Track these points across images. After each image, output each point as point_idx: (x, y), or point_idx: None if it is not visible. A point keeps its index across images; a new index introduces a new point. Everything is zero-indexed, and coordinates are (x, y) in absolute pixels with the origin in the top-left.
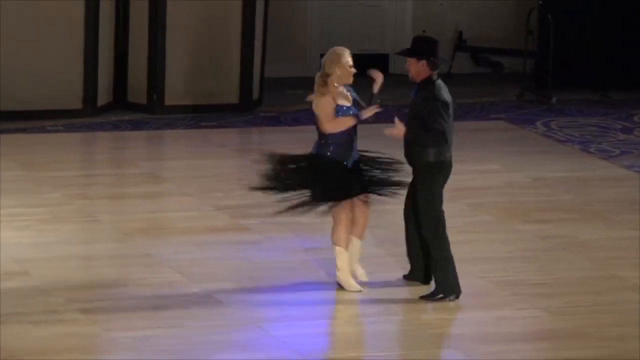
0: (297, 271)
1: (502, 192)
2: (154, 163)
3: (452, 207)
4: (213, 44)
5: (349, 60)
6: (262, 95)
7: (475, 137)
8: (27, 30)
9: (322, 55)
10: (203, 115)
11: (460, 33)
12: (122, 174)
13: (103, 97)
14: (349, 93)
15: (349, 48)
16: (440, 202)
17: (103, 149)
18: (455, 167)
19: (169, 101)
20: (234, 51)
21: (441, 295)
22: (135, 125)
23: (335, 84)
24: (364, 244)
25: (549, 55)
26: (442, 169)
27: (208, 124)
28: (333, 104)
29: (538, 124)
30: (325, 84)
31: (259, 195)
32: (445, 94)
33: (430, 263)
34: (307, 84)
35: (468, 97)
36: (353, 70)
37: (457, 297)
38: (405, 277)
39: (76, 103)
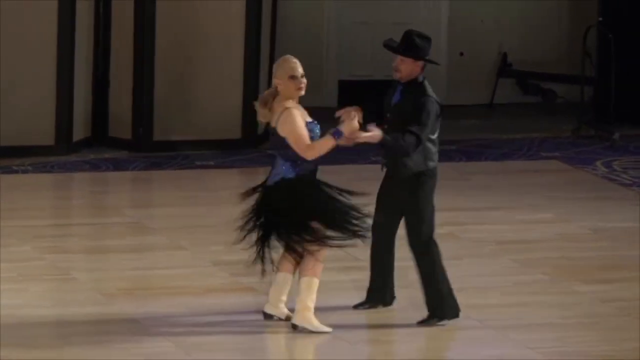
0: (312, 338)
1: (555, 245)
2: (140, 210)
3: (496, 263)
4: (211, 68)
5: (297, 68)
6: (269, 130)
7: (523, 179)
8: None
9: (340, 83)
10: (199, 152)
11: (505, 55)
12: (103, 224)
13: (79, 131)
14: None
15: (372, 74)
16: (432, 211)
17: (80, 193)
18: (500, 216)
19: (158, 136)
20: (235, 77)
21: (436, 319)
22: (118, 165)
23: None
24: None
25: (610, 81)
26: (432, 177)
27: (204, 164)
28: (302, 119)
29: (598, 164)
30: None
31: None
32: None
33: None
34: (323, 116)
35: (514, 131)
36: (304, 80)
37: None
38: (358, 305)
39: (47, 138)
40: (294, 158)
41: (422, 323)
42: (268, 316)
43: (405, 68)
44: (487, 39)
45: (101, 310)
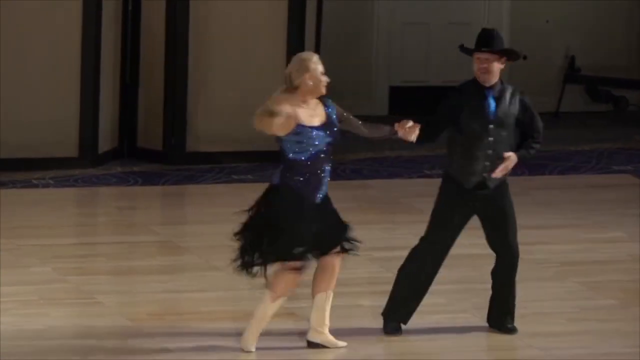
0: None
1: (626, 267)
2: (171, 228)
3: (561, 287)
4: (250, 74)
5: (319, 67)
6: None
7: (591, 195)
8: (8, 56)
9: (391, 89)
10: (236, 165)
11: (572, 59)
12: (130, 243)
13: (105, 142)
14: (326, 109)
15: (427, 79)
16: None
17: (105, 209)
18: (565, 235)
19: (191, 147)
20: (277, 83)
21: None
22: (148, 179)
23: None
24: None
25: None
26: None
27: (242, 177)
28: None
29: None
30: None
31: (308, 271)
32: None
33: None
34: None
35: (583, 142)
36: (326, 79)
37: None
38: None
39: (70, 150)
40: (285, 164)
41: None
42: (313, 345)
43: (493, 68)
44: (553, 41)
45: (128, 337)
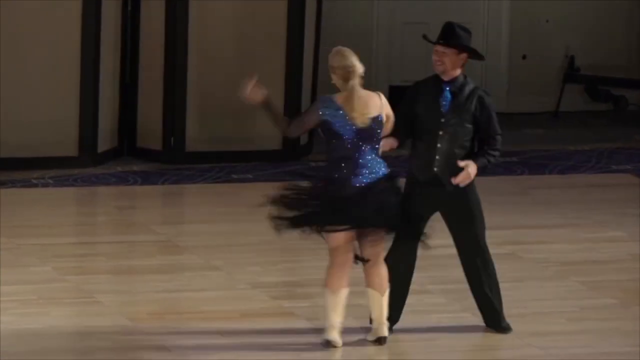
0: None
1: (626, 267)
2: (171, 228)
3: (561, 286)
4: (249, 72)
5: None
6: (313, 139)
7: (592, 195)
8: (8, 56)
9: (391, 88)
10: (236, 165)
11: (572, 59)
12: (130, 242)
13: (105, 141)
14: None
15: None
16: None
17: (105, 208)
18: (565, 235)
19: (191, 147)
20: (276, 83)
21: None
22: (147, 178)
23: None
24: None
25: None
26: None
27: (242, 177)
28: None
29: None
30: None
31: (308, 270)
32: None
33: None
34: None
35: (583, 142)
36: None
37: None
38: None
39: (70, 149)
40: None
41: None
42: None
43: (449, 60)
44: (553, 41)
45: (128, 336)
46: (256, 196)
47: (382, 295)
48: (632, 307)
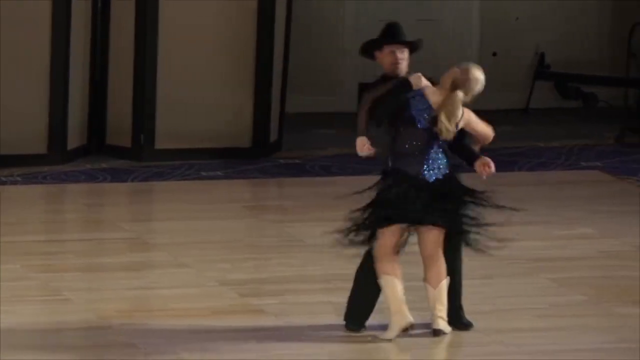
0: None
1: (596, 264)
2: (140, 225)
3: (530, 283)
4: (219, 71)
5: None
6: (282, 137)
7: (561, 191)
8: None
9: (360, 85)
10: (205, 162)
11: (542, 56)
12: (99, 239)
13: (74, 138)
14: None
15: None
16: None
17: (74, 206)
18: (535, 232)
19: (160, 144)
20: (245, 80)
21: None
22: (116, 176)
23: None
24: None
25: None
26: None
27: (211, 174)
28: None
29: None
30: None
31: (277, 267)
32: None
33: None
34: (339, 122)
35: (552, 139)
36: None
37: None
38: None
39: (39, 146)
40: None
41: None
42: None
43: (406, 61)
44: (523, 38)
45: (97, 333)
46: (225, 193)
47: (435, 288)
48: (601, 304)
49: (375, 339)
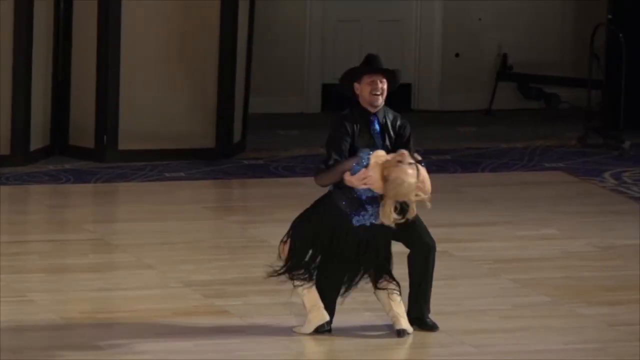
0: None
1: (559, 264)
2: (103, 226)
3: (494, 284)
4: (182, 70)
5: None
6: (246, 138)
7: (524, 192)
8: None
9: (324, 86)
10: (168, 163)
11: (505, 57)
12: (62, 241)
13: (37, 139)
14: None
15: None
16: None
17: (37, 207)
18: (498, 233)
19: (123, 145)
20: (208, 80)
21: None
22: (80, 177)
23: None
24: None
25: (619, 85)
26: None
27: (175, 175)
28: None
29: (606, 175)
30: None
31: (241, 268)
32: None
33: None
34: (303, 123)
35: (515, 140)
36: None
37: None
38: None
39: (2, 148)
40: None
41: None
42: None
43: (384, 92)
44: (485, 39)
45: (60, 335)
46: (188, 194)
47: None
48: (564, 304)
49: (337, 338)
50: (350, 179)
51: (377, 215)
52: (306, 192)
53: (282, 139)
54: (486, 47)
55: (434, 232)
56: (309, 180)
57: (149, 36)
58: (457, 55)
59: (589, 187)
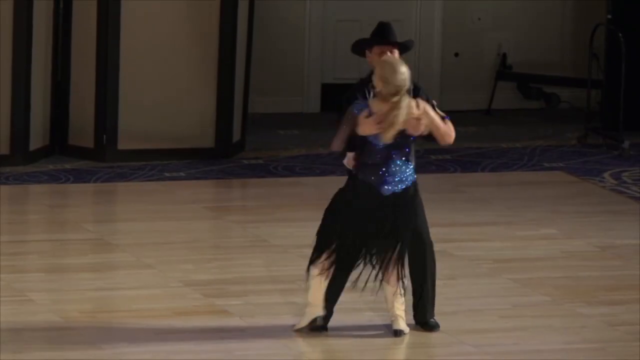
0: None
1: (559, 264)
2: (103, 226)
3: (493, 284)
4: (182, 71)
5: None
6: (245, 137)
7: (524, 192)
8: None
9: (324, 86)
10: (168, 163)
11: (504, 56)
12: (62, 240)
13: (37, 139)
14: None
15: (360, 76)
16: None
17: (37, 207)
18: (498, 232)
19: (123, 145)
20: (209, 80)
21: None
22: (79, 176)
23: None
24: None
25: (619, 85)
26: None
27: (174, 175)
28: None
29: (606, 175)
30: None
31: (241, 268)
32: None
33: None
34: (303, 123)
35: (515, 139)
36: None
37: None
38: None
39: (1, 148)
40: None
41: None
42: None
43: None
44: (485, 39)
45: (60, 334)
46: (188, 194)
47: (394, 287)
48: (564, 304)
49: (337, 338)
50: (364, 128)
51: (404, 180)
52: (306, 192)
53: (282, 138)
54: (486, 47)
55: (434, 231)
56: (309, 180)
57: (148, 36)
58: (456, 55)
59: (589, 187)
